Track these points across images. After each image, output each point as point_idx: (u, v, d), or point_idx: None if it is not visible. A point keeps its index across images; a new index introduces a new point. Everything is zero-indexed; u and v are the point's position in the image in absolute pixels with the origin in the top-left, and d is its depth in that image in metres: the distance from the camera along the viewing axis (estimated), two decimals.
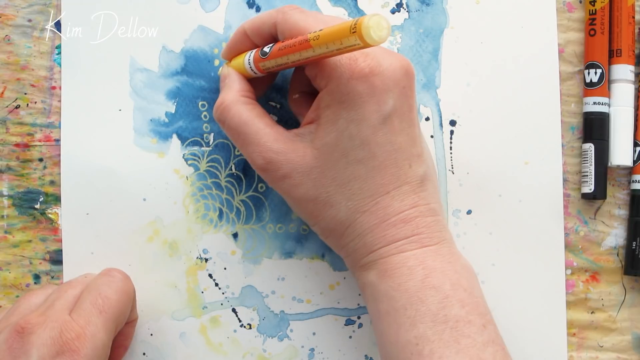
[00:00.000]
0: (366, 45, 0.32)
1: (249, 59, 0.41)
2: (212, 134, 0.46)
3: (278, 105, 0.46)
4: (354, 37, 0.32)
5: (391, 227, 0.38)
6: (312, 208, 0.39)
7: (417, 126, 0.40)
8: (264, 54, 0.39)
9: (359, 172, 0.38)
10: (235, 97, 0.41)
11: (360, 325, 0.46)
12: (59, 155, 0.46)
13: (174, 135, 0.46)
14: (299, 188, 0.39)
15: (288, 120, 0.46)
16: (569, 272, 0.46)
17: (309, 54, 0.36)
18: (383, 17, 0.32)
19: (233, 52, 0.43)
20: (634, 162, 0.46)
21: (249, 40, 0.42)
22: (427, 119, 0.46)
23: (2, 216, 0.46)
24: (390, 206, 0.38)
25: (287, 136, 0.40)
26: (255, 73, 0.41)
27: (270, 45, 0.39)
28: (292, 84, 0.44)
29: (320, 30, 0.35)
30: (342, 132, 0.38)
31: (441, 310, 0.36)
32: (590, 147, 0.46)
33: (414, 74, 0.39)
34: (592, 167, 0.46)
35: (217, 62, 0.46)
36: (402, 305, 0.37)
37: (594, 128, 0.46)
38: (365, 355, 0.46)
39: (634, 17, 0.46)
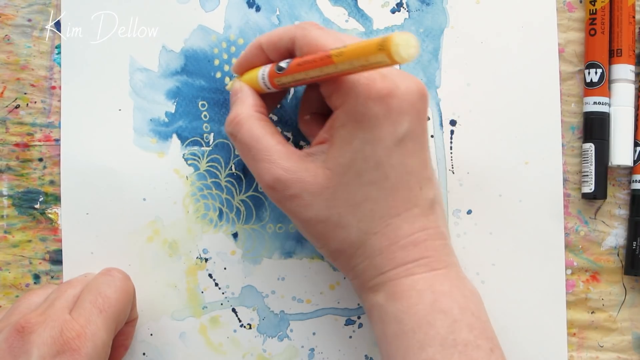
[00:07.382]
0: (393, 63, 0.32)
1: (262, 74, 0.40)
2: (212, 134, 0.46)
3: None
4: (381, 55, 0.32)
5: (401, 249, 0.38)
6: (321, 229, 0.39)
7: (428, 150, 0.39)
8: (281, 69, 0.39)
9: (371, 193, 0.38)
10: (248, 112, 0.40)
11: (360, 325, 0.46)
12: (59, 155, 0.46)
13: (174, 135, 0.46)
14: (308, 209, 0.38)
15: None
16: (569, 272, 0.46)
17: (330, 70, 0.35)
18: (412, 35, 0.31)
19: (245, 67, 0.42)
20: (634, 162, 0.46)
21: (263, 55, 0.41)
22: (428, 118, 0.46)
23: (2, 216, 0.46)
24: (400, 228, 0.38)
25: (299, 155, 0.39)
26: (269, 88, 0.40)
27: (287, 60, 0.39)
28: (302, 105, 0.43)
29: (344, 46, 0.34)
30: (357, 152, 0.37)
31: (450, 334, 0.36)
32: (590, 147, 0.46)
33: (428, 97, 0.39)
34: (593, 167, 0.46)
35: (217, 62, 0.46)
36: (411, 329, 0.37)
37: (594, 128, 0.46)
38: (365, 355, 0.46)
39: (634, 17, 0.46)
